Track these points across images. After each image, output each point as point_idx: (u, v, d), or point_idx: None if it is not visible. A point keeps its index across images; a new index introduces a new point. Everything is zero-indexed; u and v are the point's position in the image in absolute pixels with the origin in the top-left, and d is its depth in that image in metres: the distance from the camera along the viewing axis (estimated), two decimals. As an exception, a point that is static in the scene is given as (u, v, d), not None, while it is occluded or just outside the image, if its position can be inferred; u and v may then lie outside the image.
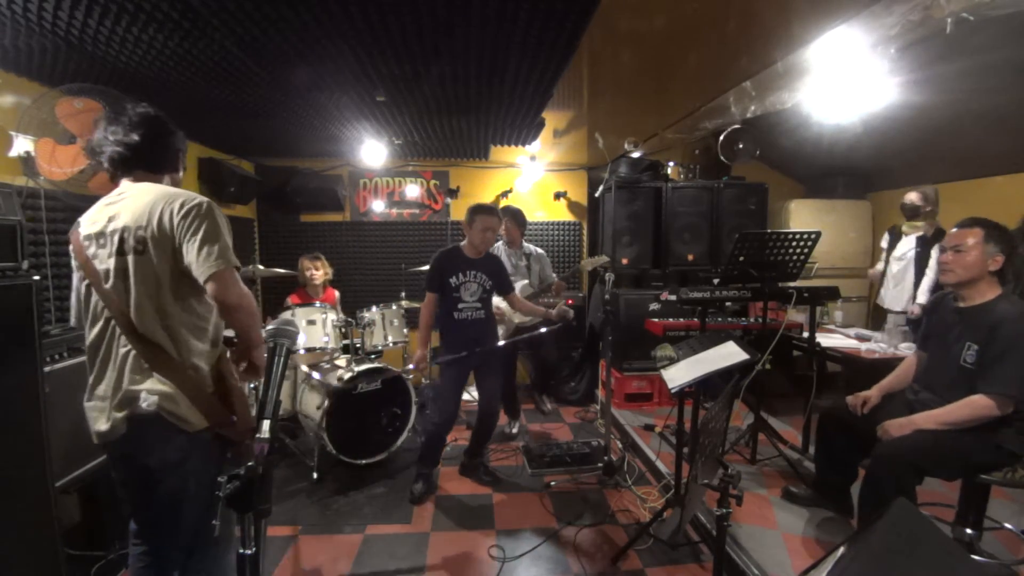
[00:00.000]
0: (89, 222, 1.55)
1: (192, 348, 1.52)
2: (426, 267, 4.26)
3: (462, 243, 3.13)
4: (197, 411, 1.50)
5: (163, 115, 1.65)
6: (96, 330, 1.53)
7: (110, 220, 1.50)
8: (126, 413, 1.47)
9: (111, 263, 1.48)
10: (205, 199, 1.52)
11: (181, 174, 1.73)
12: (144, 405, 1.45)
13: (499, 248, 4.05)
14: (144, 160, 1.59)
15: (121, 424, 1.47)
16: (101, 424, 1.50)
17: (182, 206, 1.47)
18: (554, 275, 4.10)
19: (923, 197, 3.66)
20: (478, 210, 3.03)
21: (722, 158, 4.27)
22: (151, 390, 1.46)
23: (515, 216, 4.02)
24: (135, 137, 1.55)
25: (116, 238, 1.48)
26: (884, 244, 4.03)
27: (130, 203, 1.50)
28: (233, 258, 1.49)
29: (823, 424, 2.57)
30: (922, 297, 3.58)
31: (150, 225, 1.46)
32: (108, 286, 1.49)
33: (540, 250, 4.17)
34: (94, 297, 1.52)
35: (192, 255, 1.45)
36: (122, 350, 1.49)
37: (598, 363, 4.61)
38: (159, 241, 1.46)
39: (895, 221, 4.01)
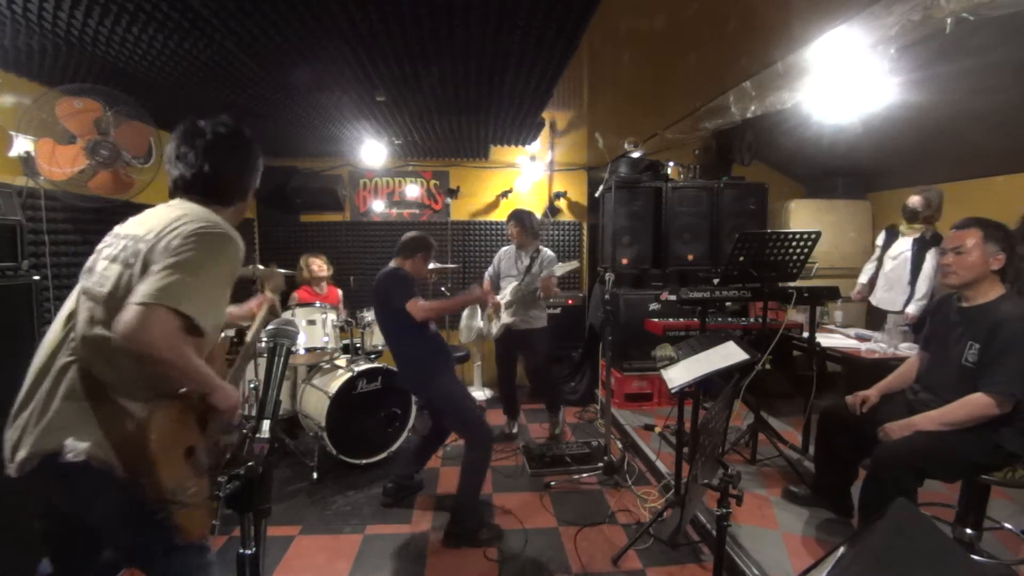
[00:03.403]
0: (125, 224, 1.41)
1: (131, 389, 1.25)
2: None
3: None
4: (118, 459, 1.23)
5: (244, 135, 1.47)
6: (51, 331, 1.33)
7: (137, 225, 1.35)
8: (47, 449, 1.20)
9: (101, 265, 1.32)
10: (229, 234, 1.31)
11: (248, 201, 1.55)
12: (70, 456, 1.19)
13: (509, 250, 4.01)
14: (204, 191, 1.42)
15: (35, 458, 1.20)
16: (21, 451, 1.22)
17: (194, 229, 1.26)
18: (556, 271, 3.84)
19: (926, 203, 3.62)
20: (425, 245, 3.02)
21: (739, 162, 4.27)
22: (79, 437, 1.20)
23: (517, 218, 3.93)
24: (205, 168, 1.40)
25: (121, 243, 1.32)
26: (879, 242, 4.03)
27: (160, 213, 1.34)
28: (190, 307, 1.18)
29: (823, 424, 2.56)
30: (914, 305, 3.60)
31: (150, 240, 1.26)
32: (88, 281, 1.32)
33: (550, 254, 3.92)
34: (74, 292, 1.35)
35: (149, 273, 1.19)
36: (65, 359, 1.26)
37: (598, 363, 4.61)
38: (148, 262, 1.23)
39: (895, 221, 4.01)
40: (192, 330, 1.20)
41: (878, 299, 3.96)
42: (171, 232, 1.25)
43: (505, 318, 3.84)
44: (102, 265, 1.31)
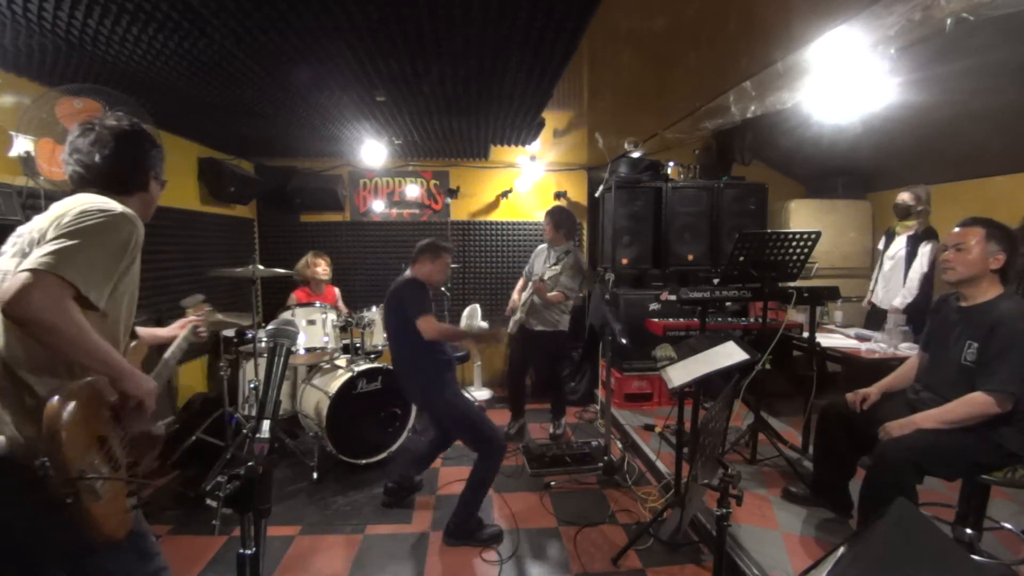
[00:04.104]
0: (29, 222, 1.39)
1: (41, 374, 1.21)
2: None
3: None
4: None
5: (138, 128, 1.49)
6: None
7: (38, 219, 1.32)
8: None
9: (10, 264, 1.28)
10: (124, 214, 1.29)
11: (153, 193, 1.54)
12: None
13: (544, 248, 3.99)
14: (101, 183, 1.41)
15: None
16: None
17: (87, 208, 1.25)
18: (545, 274, 3.74)
19: (915, 197, 3.71)
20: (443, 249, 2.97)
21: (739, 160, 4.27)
22: None
23: (548, 215, 3.91)
24: (96, 158, 1.39)
25: (21, 238, 1.30)
26: (881, 246, 4.09)
27: (60, 204, 1.31)
28: (75, 274, 1.15)
29: (823, 420, 2.56)
30: (900, 298, 3.63)
31: (44, 226, 1.24)
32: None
33: (573, 258, 3.79)
34: None
35: (40, 245, 1.18)
36: None
37: (598, 363, 4.61)
38: (41, 241, 1.22)
39: (893, 223, 4.04)
40: (83, 303, 1.17)
41: (879, 298, 3.99)
42: (65, 213, 1.25)
43: (518, 315, 3.86)
44: (8, 265, 1.28)
